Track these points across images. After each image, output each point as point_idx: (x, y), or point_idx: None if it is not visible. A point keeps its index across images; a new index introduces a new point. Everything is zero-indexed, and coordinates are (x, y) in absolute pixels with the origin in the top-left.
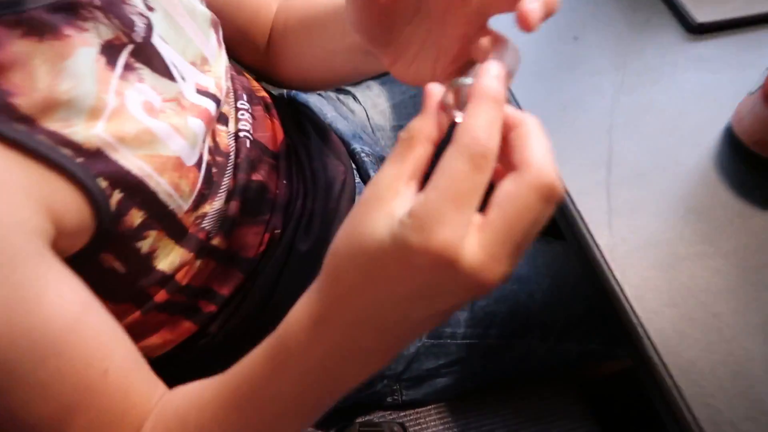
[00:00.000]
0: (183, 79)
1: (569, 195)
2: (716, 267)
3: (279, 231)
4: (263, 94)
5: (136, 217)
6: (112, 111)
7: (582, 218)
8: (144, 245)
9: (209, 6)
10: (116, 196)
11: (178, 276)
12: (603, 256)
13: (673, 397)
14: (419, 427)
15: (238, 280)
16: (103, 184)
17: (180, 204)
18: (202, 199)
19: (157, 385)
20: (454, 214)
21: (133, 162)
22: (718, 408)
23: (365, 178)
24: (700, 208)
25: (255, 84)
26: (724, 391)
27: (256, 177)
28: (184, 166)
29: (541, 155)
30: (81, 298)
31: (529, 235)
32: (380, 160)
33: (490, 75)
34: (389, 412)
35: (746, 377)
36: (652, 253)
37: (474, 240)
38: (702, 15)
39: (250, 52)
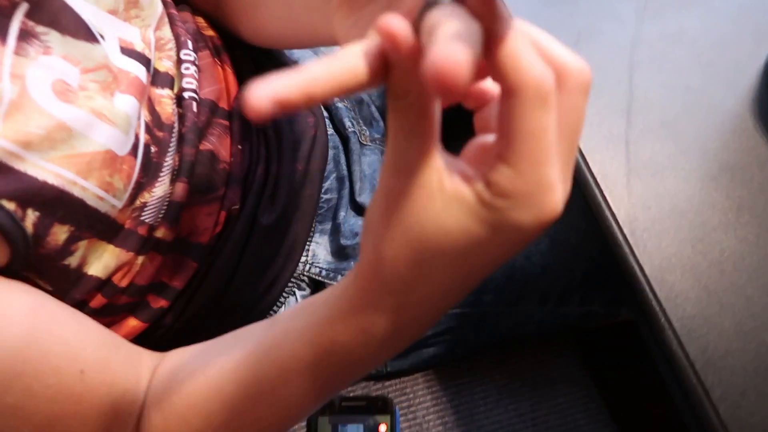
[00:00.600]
0: (102, 37)
1: (580, 152)
2: (753, 240)
3: (237, 207)
4: (211, 32)
5: (60, 234)
6: (9, 104)
7: (596, 181)
8: (73, 260)
9: None
10: (31, 216)
11: (116, 278)
12: (620, 229)
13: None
14: (405, 397)
15: (192, 269)
16: (10, 205)
17: (113, 204)
18: (139, 188)
19: (141, 358)
20: (552, 174)
21: (47, 170)
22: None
23: (340, 129)
24: (735, 167)
25: (200, 20)
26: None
27: (206, 146)
28: (116, 158)
29: (559, 51)
30: (28, 305)
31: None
32: (358, 104)
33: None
34: (373, 382)
35: None
36: (677, 222)
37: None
38: None
39: None
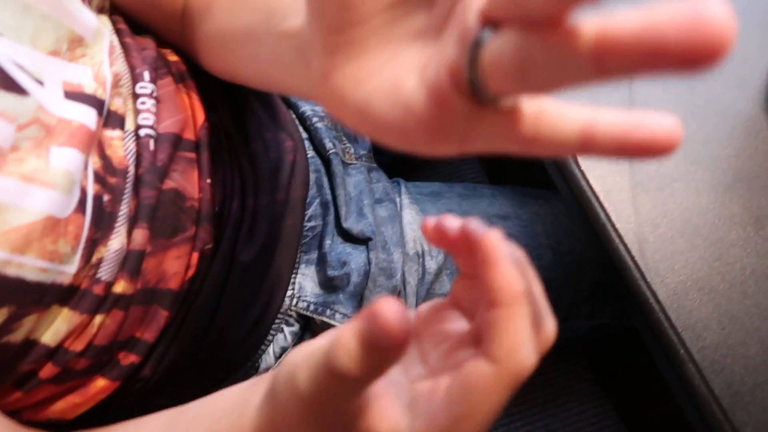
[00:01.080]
0: (41, 83)
1: (580, 169)
2: None
3: (210, 246)
4: (175, 58)
5: None
6: None
7: (598, 199)
8: (17, 336)
9: None
10: None
11: (68, 343)
12: (629, 252)
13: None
14: None
15: (164, 318)
16: None
17: (62, 270)
18: (93, 245)
19: None
20: None
21: None
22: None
23: (320, 151)
24: (751, 174)
25: (163, 47)
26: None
27: (168, 184)
28: (58, 222)
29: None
30: None
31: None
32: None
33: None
34: None
35: None
36: (691, 241)
37: None
38: None
39: (159, 22)
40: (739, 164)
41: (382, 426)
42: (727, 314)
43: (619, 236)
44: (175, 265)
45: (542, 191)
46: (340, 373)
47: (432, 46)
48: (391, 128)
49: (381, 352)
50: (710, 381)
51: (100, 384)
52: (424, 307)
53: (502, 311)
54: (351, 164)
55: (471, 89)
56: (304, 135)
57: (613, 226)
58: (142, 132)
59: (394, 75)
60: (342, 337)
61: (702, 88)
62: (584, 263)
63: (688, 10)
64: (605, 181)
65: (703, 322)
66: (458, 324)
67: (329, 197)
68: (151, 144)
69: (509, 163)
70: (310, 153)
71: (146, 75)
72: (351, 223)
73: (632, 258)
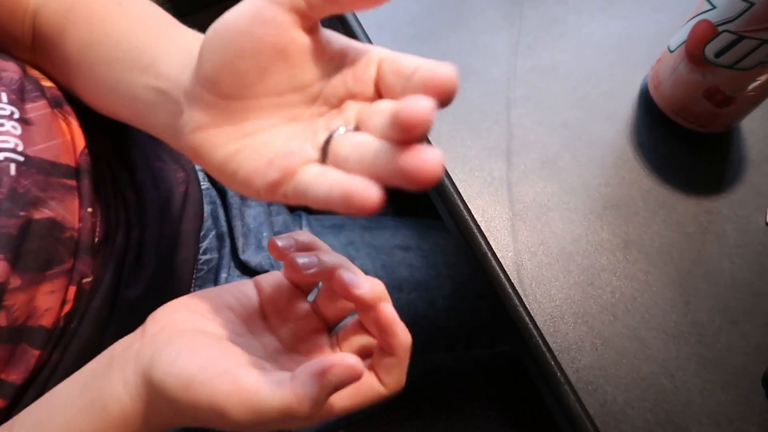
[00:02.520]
0: None
1: (462, 200)
2: (643, 278)
3: (89, 280)
4: (49, 83)
5: None
6: None
7: (479, 229)
8: None
9: None
10: None
11: None
12: (508, 279)
13: None
14: None
15: (34, 358)
16: None
17: None
18: None
19: None
20: None
21: None
22: None
23: (214, 181)
24: (620, 202)
25: (34, 71)
26: None
27: (43, 213)
28: None
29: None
30: None
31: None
32: None
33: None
34: None
35: (675, 416)
36: (565, 266)
37: None
38: None
39: (11, 47)
40: (608, 192)
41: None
42: (600, 336)
43: (500, 264)
44: (49, 300)
45: (444, 222)
46: None
47: (301, 134)
48: (250, 188)
49: None
50: (585, 401)
51: None
52: (268, 278)
53: (396, 360)
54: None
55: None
56: (198, 166)
57: (493, 254)
58: (1, 155)
59: (264, 143)
60: None
61: (574, 121)
62: (483, 293)
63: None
64: (485, 211)
65: (578, 344)
66: (302, 305)
67: (225, 229)
68: (12, 168)
69: (413, 195)
70: (205, 184)
71: (3, 96)
72: (249, 255)
73: (512, 285)
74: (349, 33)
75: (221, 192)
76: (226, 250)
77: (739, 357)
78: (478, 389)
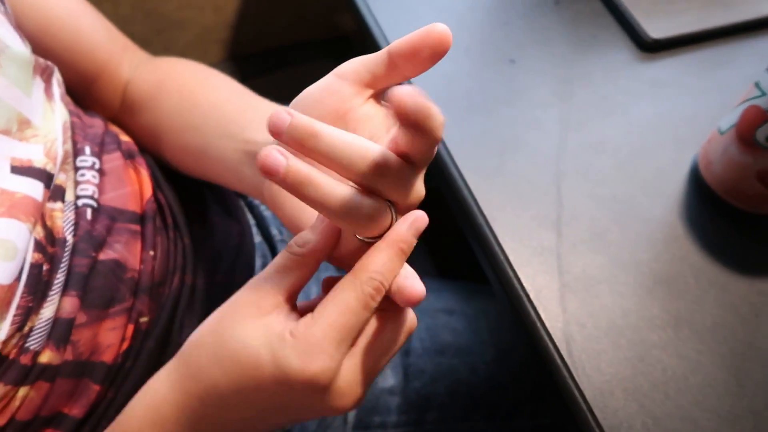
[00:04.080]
0: None
1: (512, 268)
2: (695, 357)
3: (146, 319)
4: (126, 138)
5: None
6: None
7: (529, 298)
8: None
9: (39, 47)
10: None
11: None
12: (557, 350)
13: None
14: None
15: (94, 393)
16: None
17: None
18: (27, 313)
19: None
20: (336, 346)
21: None
22: None
23: (267, 236)
24: (670, 278)
25: (115, 127)
26: None
27: (108, 254)
28: None
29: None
30: None
31: (385, 362)
32: None
33: (406, 222)
34: None
35: None
36: (615, 340)
37: (345, 368)
38: (655, 30)
39: (98, 108)
40: (658, 268)
41: (313, 365)
42: (651, 415)
43: (548, 334)
44: (110, 337)
45: (489, 287)
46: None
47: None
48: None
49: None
50: None
51: None
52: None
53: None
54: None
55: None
56: (252, 221)
57: (542, 324)
58: (80, 202)
59: None
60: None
61: (623, 196)
62: (527, 362)
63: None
64: (534, 280)
65: (629, 422)
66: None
67: None
68: (89, 213)
69: (458, 257)
70: (258, 239)
71: (87, 149)
72: None
73: (561, 356)
74: None
75: (272, 248)
76: None
77: None
78: None
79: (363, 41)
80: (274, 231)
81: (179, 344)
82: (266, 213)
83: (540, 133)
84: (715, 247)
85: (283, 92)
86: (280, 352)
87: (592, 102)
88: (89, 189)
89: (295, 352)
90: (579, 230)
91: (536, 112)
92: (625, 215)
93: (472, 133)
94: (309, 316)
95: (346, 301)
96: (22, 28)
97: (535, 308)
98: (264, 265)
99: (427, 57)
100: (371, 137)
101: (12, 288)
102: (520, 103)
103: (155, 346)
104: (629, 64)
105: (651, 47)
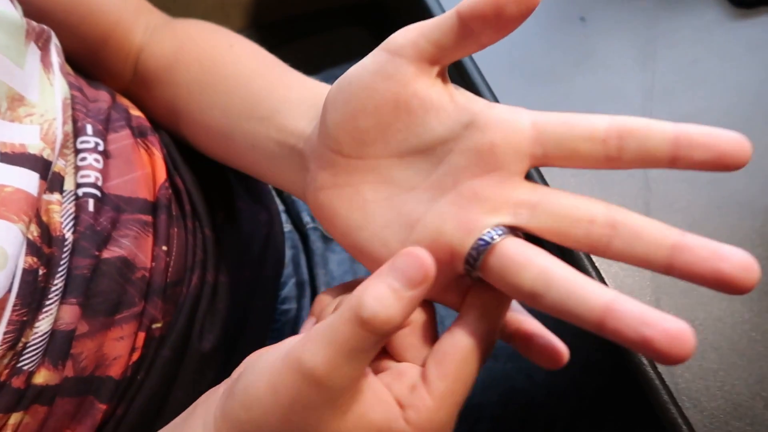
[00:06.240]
0: None
1: (594, 266)
2: None
3: (160, 325)
4: (137, 112)
5: None
6: None
7: None
8: None
9: (32, 8)
10: None
11: None
12: (654, 369)
13: None
14: None
15: (100, 413)
16: None
17: None
18: (21, 327)
19: None
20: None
21: None
22: None
23: (297, 224)
24: None
25: (124, 99)
26: None
27: (115, 251)
28: None
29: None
30: None
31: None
32: None
33: None
34: None
35: None
36: (726, 358)
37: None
38: None
39: (107, 78)
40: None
41: (377, 413)
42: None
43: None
44: (118, 348)
45: None
46: (372, 323)
47: (426, 204)
48: (376, 263)
49: (417, 286)
50: None
51: None
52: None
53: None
54: (334, 240)
55: (467, 270)
56: (281, 207)
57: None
58: (81, 191)
59: (387, 218)
60: (368, 287)
61: (722, 178)
62: (589, 368)
63: None
64: (623, 282)
65: None
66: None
67: (306, 277)
68: (91, 204)
69: None
70: (287, 227)
71: (89, 128)
72: None
73: (659, 375)
74: (459, 69)
75: (304, 236)
76: (307, 300)
77: None
78: None
79: (406, 4)
80: (306, 217)
81: (198, 352)
82: (296, 197)
83: (618, 104)
84: None
85: (310, 62)
86: None
87: (680, 68)
88: (91, 175)
89: None
90: (670, 217)
91: (614, 79)
92: (726, 201)
93: (537, 105)
94: (423, 389)
95: (470, 376)
96: None
97: None
98: (294, 258)
99: (514, 14)
100: (447, 132)
101: (2, 302)
102: (594, 69)
103: (171, 355)
104: (723, 22)
105: (748, 2)
